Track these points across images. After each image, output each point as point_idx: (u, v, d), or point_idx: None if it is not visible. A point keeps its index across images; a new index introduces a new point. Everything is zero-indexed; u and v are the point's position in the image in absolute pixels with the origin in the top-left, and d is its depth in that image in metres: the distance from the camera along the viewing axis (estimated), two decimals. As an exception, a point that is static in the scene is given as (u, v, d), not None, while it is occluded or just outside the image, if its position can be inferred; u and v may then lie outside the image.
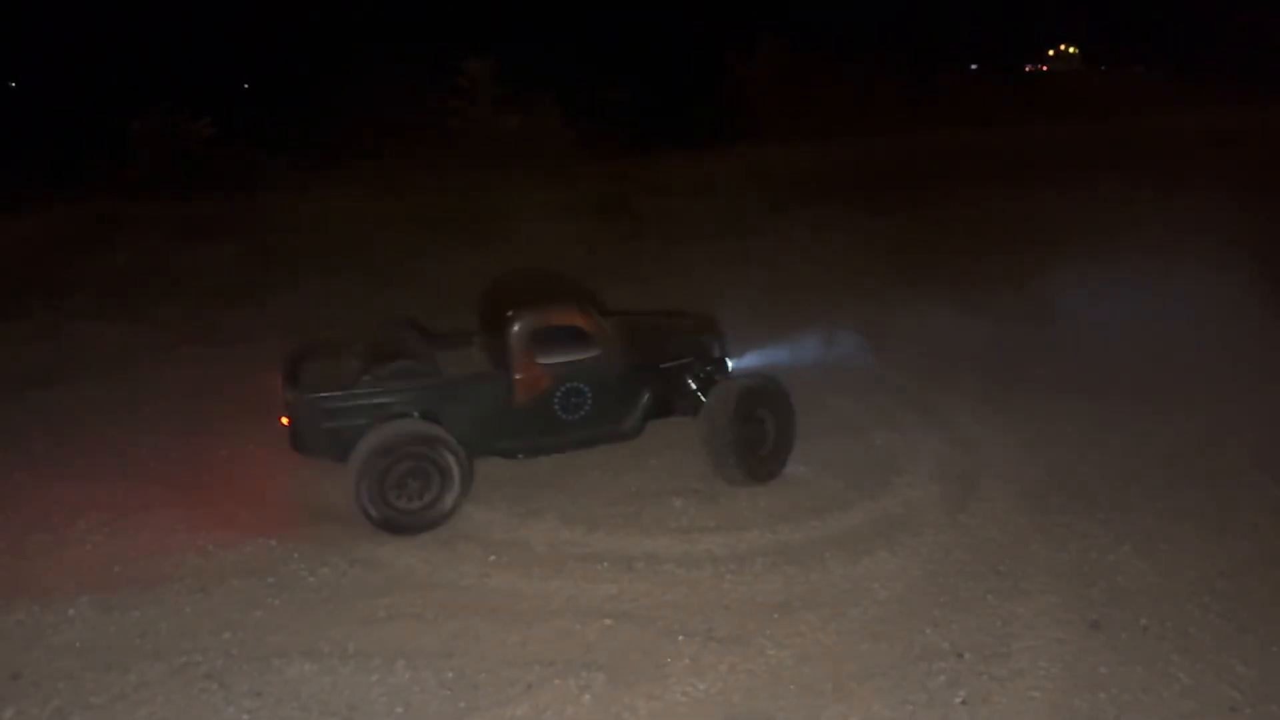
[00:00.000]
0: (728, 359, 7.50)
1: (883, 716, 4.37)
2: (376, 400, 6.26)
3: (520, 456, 6.81)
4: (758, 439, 6.73)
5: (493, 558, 5.84)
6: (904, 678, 4.63)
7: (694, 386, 7.08)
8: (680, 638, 4.95)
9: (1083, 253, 12.95)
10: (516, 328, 6.45)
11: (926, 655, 4.82)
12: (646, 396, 6.93)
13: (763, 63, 31.97)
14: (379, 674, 4.71)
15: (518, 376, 6.48)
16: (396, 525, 6.08)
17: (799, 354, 8.68)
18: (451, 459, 6.15)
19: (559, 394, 6.58)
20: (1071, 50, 50.11)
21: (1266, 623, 5.00)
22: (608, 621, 5.11)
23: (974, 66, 40.22)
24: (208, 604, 5.41)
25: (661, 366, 7.05)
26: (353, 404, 6.22)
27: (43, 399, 8.95)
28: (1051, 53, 50.46)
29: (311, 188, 20.38)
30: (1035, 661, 4.75)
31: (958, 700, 4.47)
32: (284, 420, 6.28)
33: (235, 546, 6.01)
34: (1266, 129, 24.59)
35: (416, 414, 6.30)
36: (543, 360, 6.52)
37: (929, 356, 9.47)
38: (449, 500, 6.20)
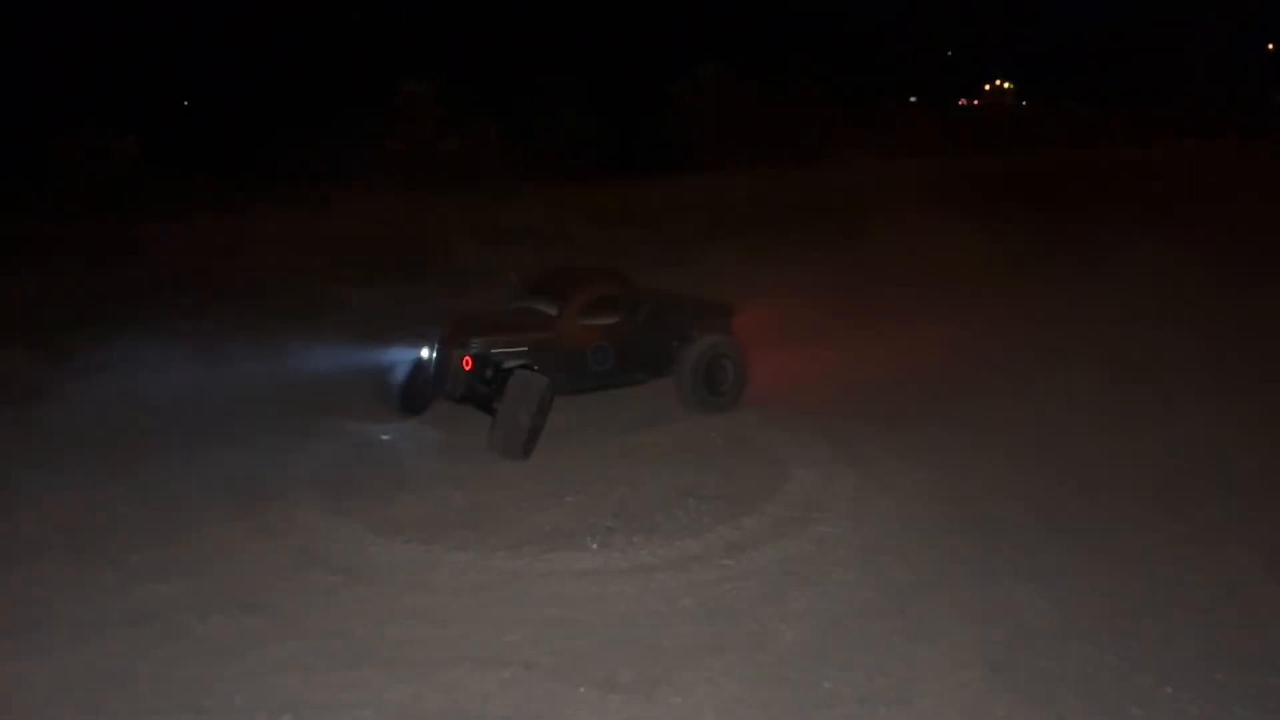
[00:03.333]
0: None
1: (780, 767, 4.31)
2: None
3: None
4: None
5: (392, 603, 5.66)
6: (804, 726, 4.58)
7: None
8: (582, 688, 4.83)
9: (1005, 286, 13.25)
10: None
11: (828, 701, 4.77)
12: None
13: (705, 93, 32.46)
14: (262, 731, 4.51)
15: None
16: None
17: None
18: None
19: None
20: (1006, 85, 51.84)
21: (1161, 662, 5.06)
22: (508, 672, 4.96)
23: (913, 99, 41.34)
24: (87, 656, 5.13)
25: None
26: None
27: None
28: (987, 87, 52.10)
29: (240, 210, 19.97)
30: (936, 706, 4.73)
31: (856, 748, 4.43)
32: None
33: (122, 591, 5.74)
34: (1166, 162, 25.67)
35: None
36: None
37: (850, 391, 9.55)
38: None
